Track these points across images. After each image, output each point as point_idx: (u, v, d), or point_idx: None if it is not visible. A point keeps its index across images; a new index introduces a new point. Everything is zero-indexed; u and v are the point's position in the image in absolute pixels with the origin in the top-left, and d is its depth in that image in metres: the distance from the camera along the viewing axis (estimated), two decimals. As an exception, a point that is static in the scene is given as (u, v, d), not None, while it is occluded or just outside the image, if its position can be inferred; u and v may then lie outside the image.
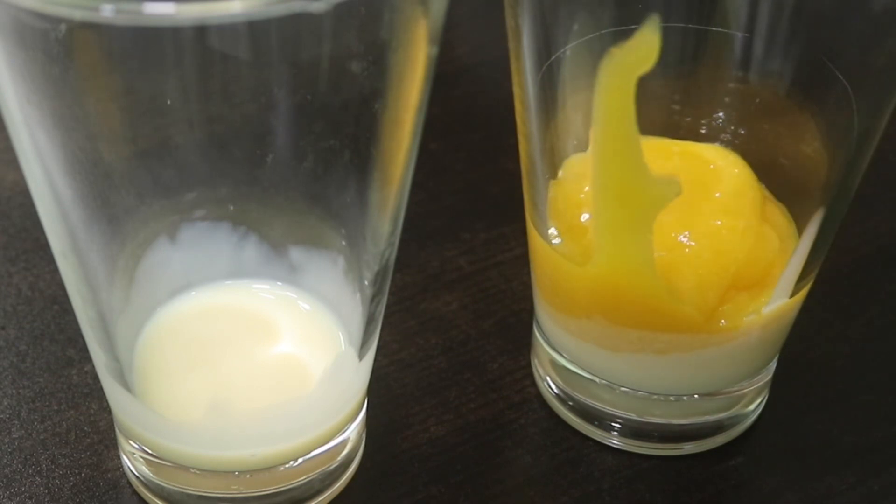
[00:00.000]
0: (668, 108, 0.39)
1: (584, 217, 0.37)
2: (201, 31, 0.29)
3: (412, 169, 0.33)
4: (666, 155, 0.38)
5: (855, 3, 0.34)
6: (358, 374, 0.36)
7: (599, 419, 0.40)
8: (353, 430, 0.38)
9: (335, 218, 0.36)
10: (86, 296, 0.34)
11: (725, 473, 0.39)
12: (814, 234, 0.36)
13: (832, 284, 0.45)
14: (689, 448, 0.40)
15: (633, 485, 0.39)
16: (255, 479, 0.36)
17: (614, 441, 0.40)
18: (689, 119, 0.39)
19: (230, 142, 0.34)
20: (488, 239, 0.47)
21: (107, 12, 0.26)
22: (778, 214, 0.38)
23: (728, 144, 0.39)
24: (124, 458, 0.38)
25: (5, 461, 0.39)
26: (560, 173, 0.38)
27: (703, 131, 0.39)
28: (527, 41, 0.35)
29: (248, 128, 0.34)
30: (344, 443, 0.37)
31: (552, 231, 0.37)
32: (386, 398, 0.41)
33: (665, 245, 0.35)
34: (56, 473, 0.38)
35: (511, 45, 0.36)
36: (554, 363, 0.40)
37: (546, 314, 0.40)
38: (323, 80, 0.31)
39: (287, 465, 0.36)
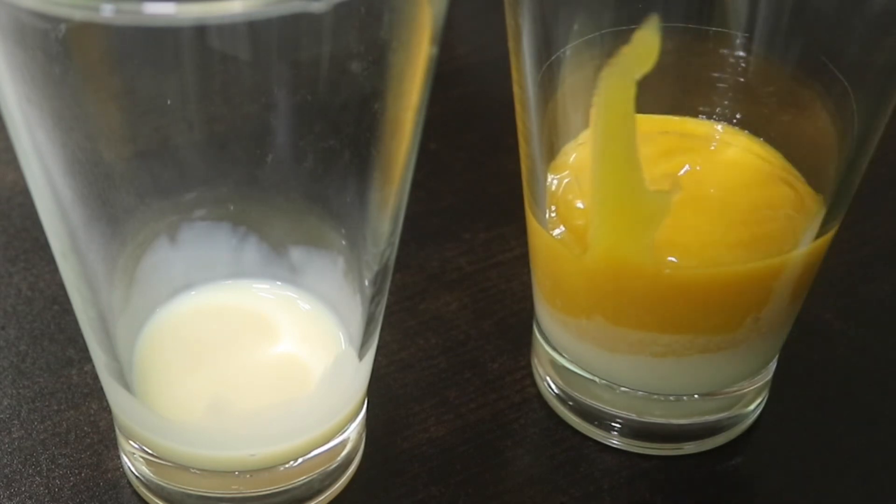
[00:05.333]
0: (666, 109, 0.39)
1: (581, 206, 0.37)
2: (201, 31, 0.29)
3: (412, 169, 0.33)
4: (665, 131, 0.38)
5: (855, 3, 0.34)
6: (358, 374, 0.36)
7: (599, 419, 0.40)
8: (353, 430, 0.38)
9: (335, 218, 0.36)
10: (86, 296, 0.34)
11: (725, 473, 0.39)
12: (813, 235, 0.36)
13: (832, 284, 0.45)
14: (689, 448, 0.40)
15: (633, 485, 0.39)
16: (255, 479, 0.36)
17: (614, 441, 0.40)
18: (689, 121, 0.39)
19: (230, 142, 0.34)
20: (488, 239, 0.47)
21: (107, 12, 0.26)
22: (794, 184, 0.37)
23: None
24: (124, 458, 0.38)
25: (5, 461, 0.39)
26: (558, 160, 0.38)
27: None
28: (527, 41, 0.35)
29: (248, 128, 0.34)
30: (344, 443, 0.37)
31: (551, 218, 0.37)
32: (386, 398, 0.41)
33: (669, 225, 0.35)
34: (56, 473, 0.38)
35: (511, 45, 0.36)
36: (554, 363, 0.40)
37: (546, 314, 0.40)
38: (323, 80, 0.31)
39: (287, 465, 0.36)
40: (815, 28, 0.35)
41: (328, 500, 0.38)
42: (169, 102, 0.32)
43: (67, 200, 0.32)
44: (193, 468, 0.36)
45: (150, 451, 0.36)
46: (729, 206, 0.36)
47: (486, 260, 0.46)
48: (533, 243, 0.39)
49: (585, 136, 0.37)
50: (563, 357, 0.40)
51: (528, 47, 0.36)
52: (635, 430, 0.39)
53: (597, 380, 0.39)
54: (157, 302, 0.38)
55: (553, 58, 0.36)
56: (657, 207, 0.34)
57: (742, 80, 0.37)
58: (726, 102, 0.38)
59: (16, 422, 0.40)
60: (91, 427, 0.40)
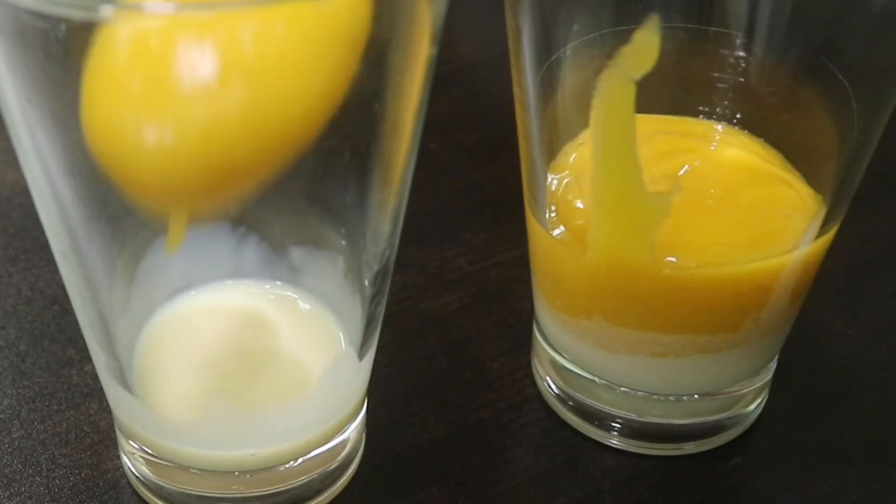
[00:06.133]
0: (666, 109, 0.39)
1: (581, 206, 0.37)
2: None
3: (412, 169, 0.33)
4: (665, 132, 0.38)
5: (855, 3, 0.34)
6: (358, 374, 0.36)
7: (599, 419, 0.40)
8: (353, 430, 0.38)
9: (335, 218, 0.36)
10: (86, 296, 0.34)
11: (725, 473, 0.39)
12: (813, 235, 0.36)
13: (832, 284, 0.45)
14: (689, 448, 0.40)
15: (633, 485, 0.39)
16: (255, 479, 0.36)
17: (614, 441, 0.40)
18: (688, 121, 0.39)
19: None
20: (488, 239, 0.47)
21: (107, 12, 0.26)
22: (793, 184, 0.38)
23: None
24: (124, 458, 0.38)
25: (5, 461, 0.39)
26: (559, 160, 0.38)
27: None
28: (527, 41, 0.35)
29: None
30: (344, 443, 0.37)
31: (551, 218, 0.38)
32: (386, 398, 0.41)
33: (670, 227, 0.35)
34: (56, 473, 0.38)
35: (511, 45, 0.36)
36: (554, 363, 0.40)
37: (546, 314, 0.40)
38: (323, 80, 0.31)
39: (287, 465, 0.36)
40: (815, 28, 0.35)
41: (328, 500, 0.38)
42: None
43: (67, 200, 0.31)
44: (193, 468, 0.36)
45: (150, 451, 0.36)
46: (729, 206, 0.37)
47: (486, 260, 0.46)
48: (533, 243, 0.39)
49: (585, 136, 0.38)
50: (563, 357, 0.40)
51: (528, 47, 0.36)
52: (635, 430, 0.40)
53: (597, 380, 0.39)
54: (157, 302, 0.38)
55: (553, 58, 0.36)
56: (657, 209, 0.34)
57: (742, 80, 0.37)
58: (726, 102, 0.38)
59: (16, 422, 0.40)
60: (91, 427, 0.40)
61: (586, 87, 0.33)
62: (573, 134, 0.38)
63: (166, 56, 0.27)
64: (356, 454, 0.39)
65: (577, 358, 0.39)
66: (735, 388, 0.39)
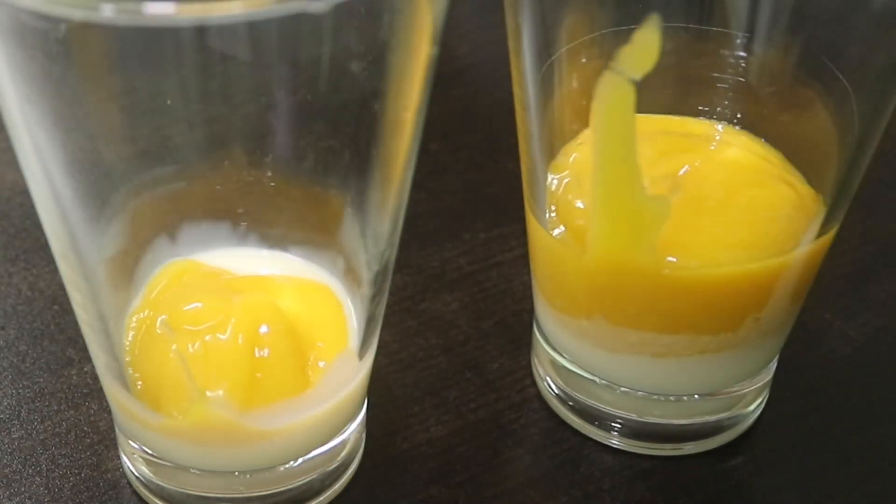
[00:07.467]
0: (666, 109, 0.39)
1: (581, 206, 0.37)
2: (201, 31, 0.29)
3: (412, 169, 0.33)
4: (666, 132, 0.38)
5: (855, 3, 0.34)
6: (358, 374, 0.36)
7: (599, 419, 0.40)
8: (353, 430, 0.38)
9: (335, 218, 0.36)
10: (86, 296, 0.34)
11: (725, 473, 0.39)
12: (813, 235, 0.36)
13: (832, 284, 0.45)
14: (689, 448, 0.40)
15: (633, 485, 0.39)
16: (255, 479, 0.36)
17: (614, 441, 0.40)
18: (688, 121, 0.39)
19: (230, 142, 0.34)
20: (488, 239, 0.47)
21: (107, 12, 0.26)
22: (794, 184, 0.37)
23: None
24: (124, 458, 0.38)
25: (5, 461, 0.39)
26: (559, 160, 0.38)
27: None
28: (527, 41, 0.35)
29: (248, 128, 0.34)
30: (344, 443, 0.37)
31: (551, 218, 0.38)
32: (386, 398, 0.41)
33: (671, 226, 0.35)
34: (56, 473, 0.38)
35: (511, 44, 0.36)
36: (554, 363, 0.40)
37: (546, 314, 0.40)
38: (323, 80, 0.31)
39: (287, 465, 0.36)
40: (815, 28, 0.35)
41: (328, 500, 0.38)
42: (169, 102, 0.32)
43: (67, 200, 0.31)
44: (193, 468, 0.36)
45: (150, 451, 0.36)
46: (729, 206, 0.37)
47: (486, 260, 0.46)
48: (533, 243, 0.39)
49: (585, 136, 0.38)
50: (563, 357, 0.40)
51: (528, 47, 0.36)
52: (635, 430, 0.39)
53: (597, 380, 0.39)
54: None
55: (553, 58, 0.36)
56: (657, 212, 0.34)
57: (742, 80, 0.37)
58: (726, 102, 0.38)
59: (16, 422, 0.40)
60: (91, 427, 0.40)
61: (586, 86, 0.33)
62: (573, 134, 0.38)
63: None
64: (356, 454, 0.39)
65: (577, 358, 0.39)
66: (735, 388, 0.39)
